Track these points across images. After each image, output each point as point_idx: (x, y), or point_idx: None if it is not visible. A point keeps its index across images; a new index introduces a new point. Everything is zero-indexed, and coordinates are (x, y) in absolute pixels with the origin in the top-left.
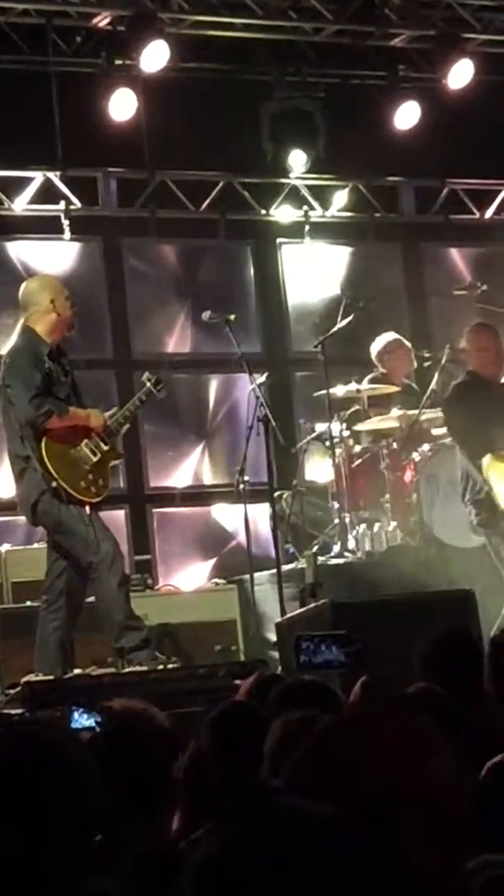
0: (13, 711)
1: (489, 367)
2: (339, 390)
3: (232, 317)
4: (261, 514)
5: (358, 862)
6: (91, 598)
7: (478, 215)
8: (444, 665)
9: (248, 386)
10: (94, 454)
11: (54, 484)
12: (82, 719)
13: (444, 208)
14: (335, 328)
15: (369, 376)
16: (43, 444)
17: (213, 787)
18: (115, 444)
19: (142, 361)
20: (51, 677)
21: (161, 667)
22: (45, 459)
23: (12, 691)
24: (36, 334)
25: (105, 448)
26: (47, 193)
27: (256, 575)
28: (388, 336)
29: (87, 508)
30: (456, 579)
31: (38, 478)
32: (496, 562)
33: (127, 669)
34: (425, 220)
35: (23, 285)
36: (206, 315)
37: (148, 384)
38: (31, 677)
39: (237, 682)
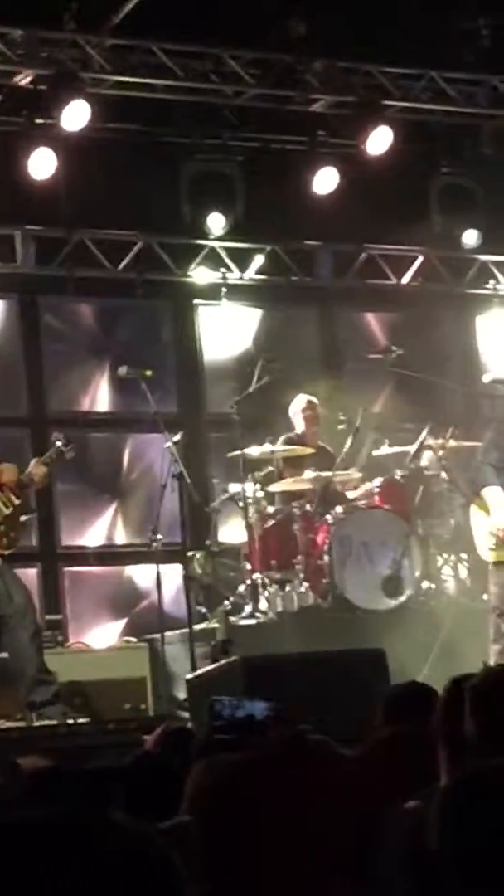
0: None
1: None
2: (253, 451)
3: (148, 373)
4: (173, 574)
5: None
6: (3, 654)
7: (394, 281)
8: (406, 711)
9: (163, 446)
10: (6, 507)
11: None
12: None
13: (361, 273)
14: (250, 389)
15: (283, 437)
16: None
17: None
18: (27, 499)
19: (57, 420)
20: None
21: (71, 721)
22: None
23: None
24: None
25: (16, 502)
26: None
27: (167, 634)
28: (304, 398)
29: None
30: (366, 641)
31: None
32: None
33: (37, 724)
34: (342, 285)
35: None
36: (122, 370)
37: (58, 443)
38: None
39: (146, 737)
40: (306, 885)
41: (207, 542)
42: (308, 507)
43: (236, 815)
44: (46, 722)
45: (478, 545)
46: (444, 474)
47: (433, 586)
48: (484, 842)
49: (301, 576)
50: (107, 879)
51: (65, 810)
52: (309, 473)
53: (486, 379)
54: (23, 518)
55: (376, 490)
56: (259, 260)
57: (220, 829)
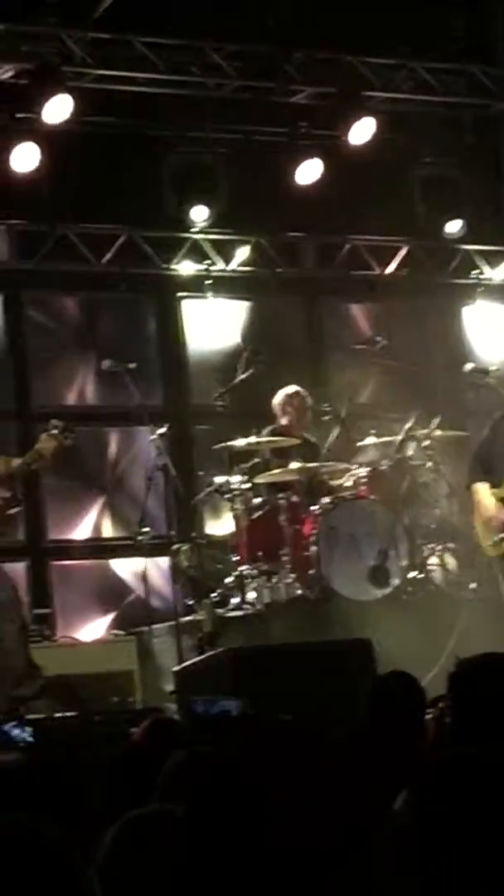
0: None
1: None
2: (239, 442)
3: (132, 365)
4: (160, 567)
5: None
6: None
7: (378, 271)
8: (391, 703)
9: (148, 439)
10: None
11: None
12: (21, 734)
13: (345, 264)
14: (236, 381)
15: (269, 428)
16: None
17: None
18: (15, 493)
19: (42, 413)
20: None
21: (58, 714)
22: None
23: None
24: None
25: (5, 495)
26: None
27: (155, 627)
28: (289, 389)
29: None
30: (353, 632)
31: None
32: None
33: (25, 717)
34: (326, 276)
35: None
36: (106, 363)
37: (54, 431)
38: None
39: (133, 729)
40: (300, 870)
41: (194, 535)
42: (294, 498)
43: (221, 802)
44: (34, 715)
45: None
46: (429, 464)
47: (420, 576)
48: (453, 827)
49: (288, 567)
50: None
51: None
52: (295, 464)
53: (467, 368)
54: (10, 511)
55: (362, 480)
56: (243, 252)
57: (208, 816)
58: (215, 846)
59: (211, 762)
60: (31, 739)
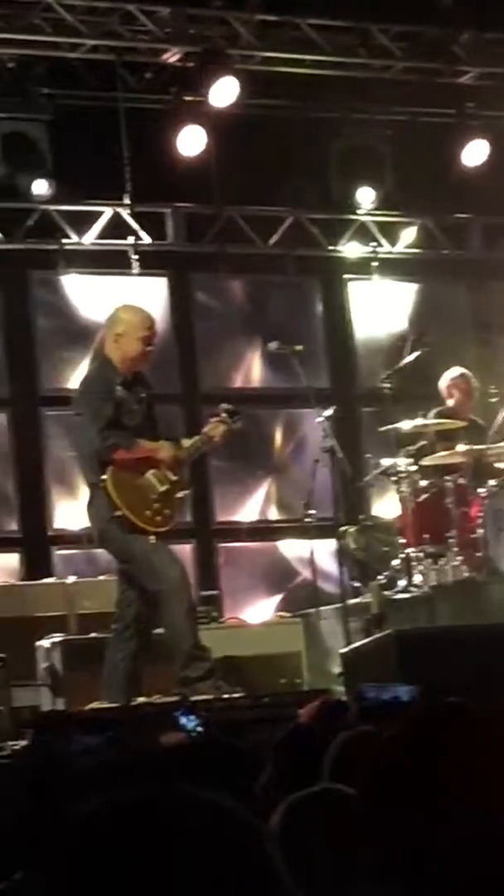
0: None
1: None
2: (405, 425)
3: (299, 347)
4: (327, 549)
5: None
6: (159, 630)
7: None
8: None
9: (315, 421)
10: (162, 484)
11: (118, 513)
12: (190, 722)
13: None
14: (402, 363)
15: (436, 411)
16: (109, 473)
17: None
18: (184, 476)
19: (209, 396)
20: (116, 704)
21: (226, 696)
22: (111, 488)
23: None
24: (109, 362)
25: (173, 479)
26: (116, 228)
27: (322, 609)
28: (455, 371)
29: (153, 538)
30: None
31: (105, 505)
32: None
33: (192, 699)
34: (493, 257)
35: (112, 310)
36: (273, 345)
37: (223, 414)
38: (96, 705)
39: (301, 710)
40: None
41: (361, 517)
42: (461, 480)
43: (396, 780)
44: (201, 697)
45: None
46: None
47: None
48: None
49: (455, 549)
50: (181, 857)
51: (145, 789)
52: (461, 447)
53: None
54: (179, 495)
55: None
56: (409, 233)
57: (383, 795)
58: (387, 828)
59: (382, 741)
60: (200, 729)
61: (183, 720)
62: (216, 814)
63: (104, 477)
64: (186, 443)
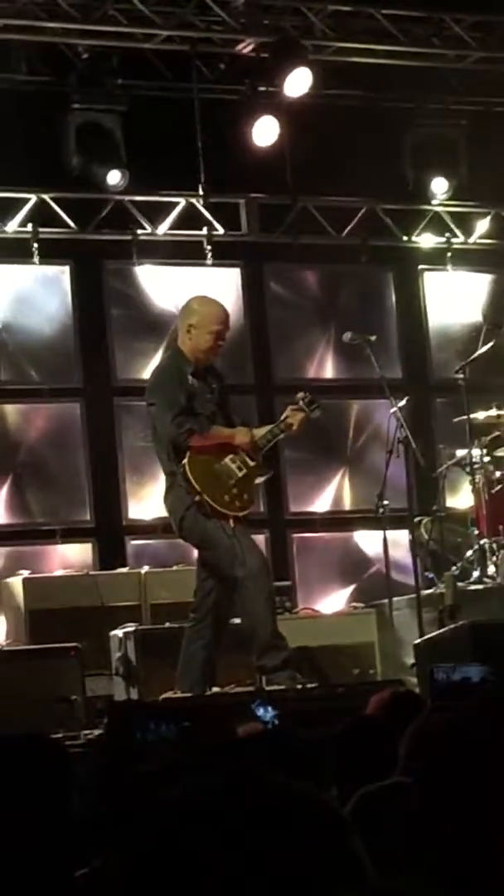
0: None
1: None
2: (479, 415)
3: (373, 338)
4: (400, 540)
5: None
6: (236, 620)
7: None
8: None
9: (388, 412)
10: (240, 469)
11: (197, 498)
12: (266, 714)
13: None
14: (476, 354)
15: None
16: (187, 460)
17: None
18: (261, 461)
19: (282, 387)
20: (190, 694)
21: (300, 686)
22: (189, 474)
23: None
24: (181, 353)
25: (251, 464)
26: (190, 219)
27: (395, 599)
28: None
29: (232, 522)
30: None
31: (183, 493)
32: None
33: (267, 688)
34: None
35: (187, 300)
36: (347, 336)
37: (301, 402)
38: (170, 694)
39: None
40: None
41: (434, 508)
42: None
43: (461, 768)
44: (276, 687)
45: None
46: None
47: None
48: None
49: None
50: (267, 842)
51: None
52: None
53: None
54: (258, 480)
55: None
56: (484, 224)
57: (446, 783)
58: (448, 816)
59: (447, 727)
60: (276, 721)
61: (260, 711)
62: (302, 801)
63: (183, 462)
64: (261, 431)
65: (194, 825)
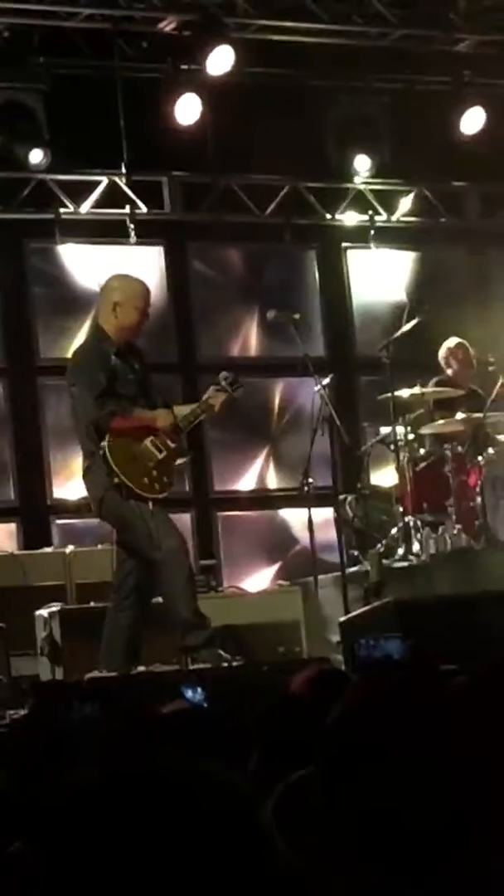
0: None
1: None
2: (403, 393)
3: (297, 315)
4: (325, 518)
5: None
6: (157, 599)
7: None
8: None
9: (312, 390)
10: (160, 451)
11: (116, 480)
12: (195, 696)
13: None
14: (400, 332)
15: (434, 380)
16: (106, 441)
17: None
18: (182, 443)
19: (206, 365)
20: (114, 673)
21: (225, 664)
22: (108, 456)
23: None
24: (103, 332)
25: (172, 446)
26: (112, 197)
27: (321, 577)
28: (452, 341)
29: (151, 504)
30: None
31: (103, 475)
32: None
33: (192, 667)
34: (491, 225)
35: (105, 280)
36: (271, 314)
37: (223, 383)
38: (95, 674)
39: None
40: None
41: (359, 486)
42: (459, 448)
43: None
44: (201, 665)
45: None
46: None
47: None
48: None
49: (453, 518)
50: (178, 826)
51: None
52: (460, 415)
53: None
54: (178, 462)
55: None
56: (406, 201)
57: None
58: (367, 789)
59: (365, 701)
60: (204, 704)
61: (189, 693)
62: (213, 784)
63: (103, 444)
64: (184, 409)
65: (103, 810)
